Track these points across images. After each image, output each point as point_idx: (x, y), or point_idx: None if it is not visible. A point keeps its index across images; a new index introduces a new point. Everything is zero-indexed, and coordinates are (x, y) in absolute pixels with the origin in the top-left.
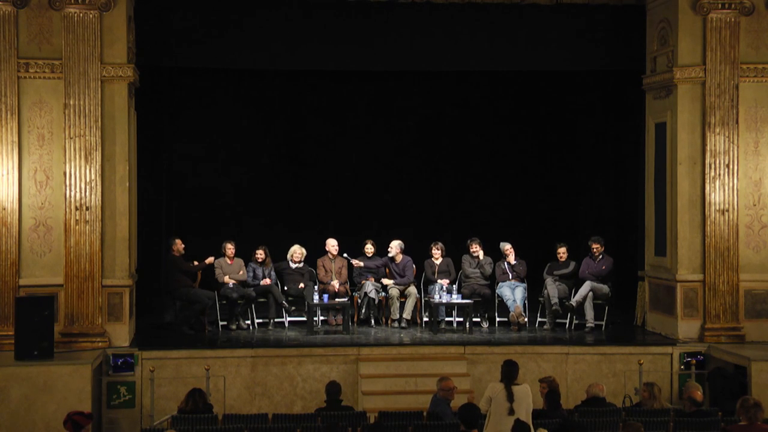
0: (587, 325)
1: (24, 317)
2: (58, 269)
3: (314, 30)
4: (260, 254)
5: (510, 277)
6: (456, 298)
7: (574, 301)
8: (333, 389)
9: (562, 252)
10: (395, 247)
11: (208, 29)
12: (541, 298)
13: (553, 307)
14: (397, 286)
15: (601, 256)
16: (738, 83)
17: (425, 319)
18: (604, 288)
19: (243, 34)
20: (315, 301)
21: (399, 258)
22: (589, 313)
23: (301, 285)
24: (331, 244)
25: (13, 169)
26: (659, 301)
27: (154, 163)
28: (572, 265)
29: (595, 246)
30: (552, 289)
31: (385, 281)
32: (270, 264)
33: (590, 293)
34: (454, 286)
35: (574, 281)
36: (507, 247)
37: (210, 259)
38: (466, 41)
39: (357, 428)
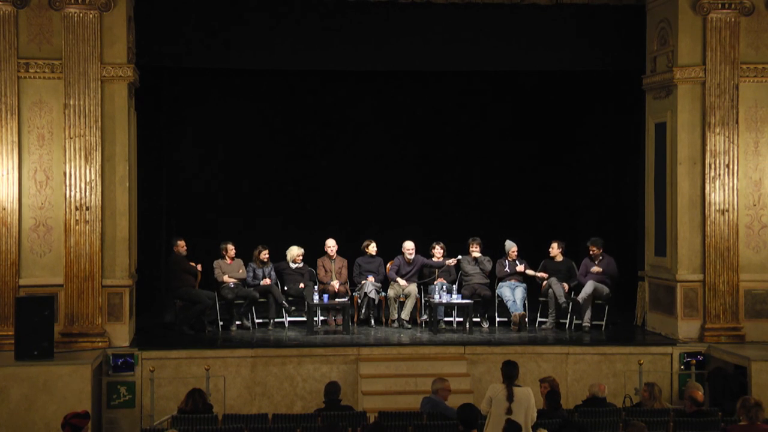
0: (583, 324)
1: (24, 317)
2: (58, 269)
3: (314, 30)
4: (266, 254)
5: (509, 274)
6: (456, 298)
7: (580, 297)
8: (332, 390)
9: (555, 248)
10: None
11: (208, 29)
12: (542, 298)
13: (563, 305)
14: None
15: (601, 257)
16: (738, 83)
17: (425, 318)
18: (605, 289)
19: (243, 34)
20: (315, 301)
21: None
22: (587, 315)
23: (301, 285)
24: (330, 245)
25: (13, 169)
26: (659, 301)
27: (154, 163)
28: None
29: (593, 248)
30: (557, 287)
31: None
32: (270, 264)
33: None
34: (454, 286)
35: (566, 275)
36: (514, 248)
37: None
38: (465, 41)
39: (357, 428)
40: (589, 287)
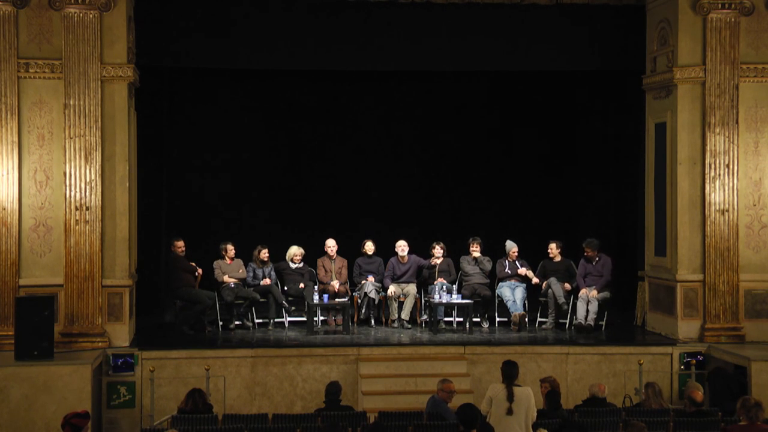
0: (585, 324)
1: (24, 317)
2: (58, 269)
3: (314, 30)
4: (265, 253)
5: (510, 275)
6: (456, 298)
7: (591, 319)
8: (333, 389)
9: (554, 248)
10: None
11: (208, 29)
12: (542, 298)
13: (563, 308)
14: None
15: (597, 258)
16: (738, 83)
17: (425, 318)
18: (606, 294)
19: (243, 34)
20: (315, 301)
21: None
22: (581, 314)
23: (301, 285)
24: (330, 245)
25: (13, 169)
26: (659, 301)
27: (154, 163)
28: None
29: (587, 250)
30: (557, 287)
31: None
32: (270, 264)
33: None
34: (454, 286)
35: (565, 275)
36: (514, 249)
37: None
38: (466, 41)
39: (357, 428)
40: (593, 306)
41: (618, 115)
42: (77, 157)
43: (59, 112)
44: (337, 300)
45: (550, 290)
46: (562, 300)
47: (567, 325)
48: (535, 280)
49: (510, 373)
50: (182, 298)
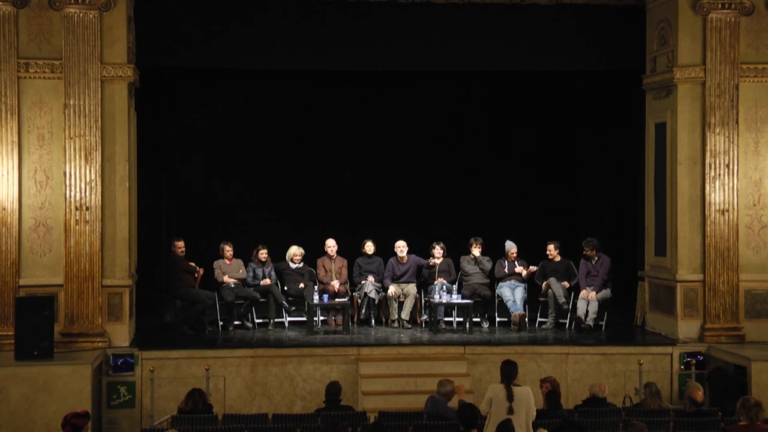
0: (584, 325)
1: (24, 317)
2: (58, 269)
3: (314, 30)
4: (264, 253)
5: (509, 274)
6: (456, 298)
7: (590, 320)
8: (333, 389)
9: (552, 249)
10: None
11: (208, 29)
12: (542, 298)
13: (563, 307)
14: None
15: (596, 258)
16: (738, 83)
17: (425, 318)
18: (607, 293)
19: (243, 34)
20: (315, 301)
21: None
22: (582, 313)
23: (301, 285)
24: (330, 245)
25: (13, 169)
26: (659, 301)
27: (154, 163)
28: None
29: (586, 249)
30: (557, 288)
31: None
32: (270, 264)
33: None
34: (454, 286)
35: (564, 274)
36: (513, 250)
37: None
38: (466, 41)
39: (357, 428)
40: (593, 306)
41: (618, 115)
42: (77, 157)
43: (59, 112)
44: (337, 300)
45: (550, 290)
46: (562, 300)
47: (567, 325)
48: (524, 273)
49: (509, 372)
50: (182, 298)
